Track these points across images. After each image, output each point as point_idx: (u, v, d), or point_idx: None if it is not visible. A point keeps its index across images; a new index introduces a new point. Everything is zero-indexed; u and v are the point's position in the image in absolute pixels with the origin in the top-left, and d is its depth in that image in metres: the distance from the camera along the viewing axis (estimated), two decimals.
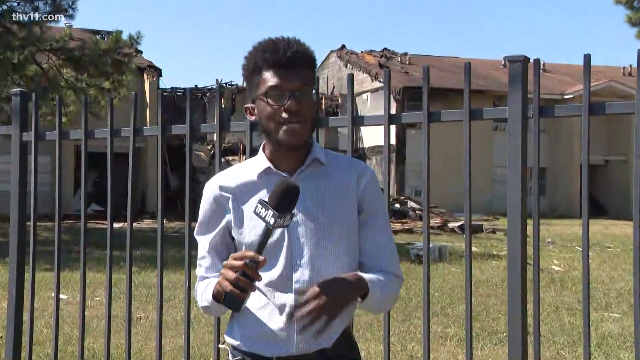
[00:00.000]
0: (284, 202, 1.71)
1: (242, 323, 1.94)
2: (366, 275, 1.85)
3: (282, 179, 1.82)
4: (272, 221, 1.70)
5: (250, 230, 1.89)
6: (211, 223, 1.97)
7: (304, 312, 1.72)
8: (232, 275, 1.70)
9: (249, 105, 1.94)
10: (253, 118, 1.94)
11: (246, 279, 1.70)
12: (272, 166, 1.91)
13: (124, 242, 3.43)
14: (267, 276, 1.87)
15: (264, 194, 1.89)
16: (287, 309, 1.87)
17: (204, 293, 1.93)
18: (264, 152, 1.94)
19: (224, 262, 1.75)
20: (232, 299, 1.72)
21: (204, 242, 1.99)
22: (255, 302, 1.90)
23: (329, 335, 1.87)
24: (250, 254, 1.71)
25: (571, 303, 8.43)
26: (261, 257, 1.70)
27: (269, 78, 1.84)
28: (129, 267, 3.41)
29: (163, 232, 3.36)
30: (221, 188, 1.95)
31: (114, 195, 3.47)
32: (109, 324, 3.45)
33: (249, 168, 1.96)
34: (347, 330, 1.94)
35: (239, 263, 1.70)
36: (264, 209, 1.71)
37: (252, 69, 1.87)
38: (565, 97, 31.19)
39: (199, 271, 2.00)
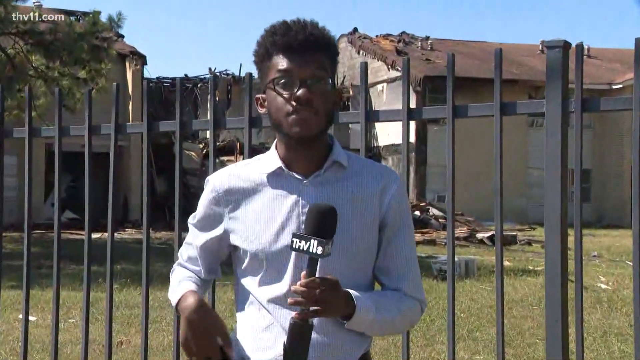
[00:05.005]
0: (324, 226, 1.75)
1: (246, 346, 1.96)
2: (362, 295, 1.87)
3: (313, 204, 1.83)
4: (319, 251, 1.73)
5: (255, 238, 1.92)
6: (206, 224, 2.03)
7: (297, 290, 1.75)
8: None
9: (259, 95, 1.97)
10: (264, 110, 1.96)
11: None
12: (284, 166, 1.93)
13: (104, 255, 3.45)
14: (273, 292, 1.90)
15: (271, 198, 1.92)
16: None
17: (178, 287, 2.00)
18: (276, 149, 1.97)
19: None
20: None
21: (193, 234, 2.07)
22: (258, 321, 1.93)
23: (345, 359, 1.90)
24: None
25: (621, 327, 8.39)
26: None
27: (278, 64, 1.86)
28: (109, 283, 3.43)
29: (149, 243, 3.37)
30: (223, 186, 1.99)
31: (92, 202, 3.48)
32: (86, 350, 3.46)
33: (258, 166, 1.99)
34: (365, 355, 1.97)
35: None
36: (304, 242, 1.74)
37: (262, 54, 1.90)
38: (614, 87, 31.10)
39: (182, 255, 2.10)
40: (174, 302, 1.97)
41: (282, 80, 1.86)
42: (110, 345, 3.44)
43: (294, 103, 1.84)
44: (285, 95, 1.85)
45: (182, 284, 1.98)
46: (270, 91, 1.89)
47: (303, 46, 1.85)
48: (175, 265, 2.12)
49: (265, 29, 1.92)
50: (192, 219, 2.07)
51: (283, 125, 1.87)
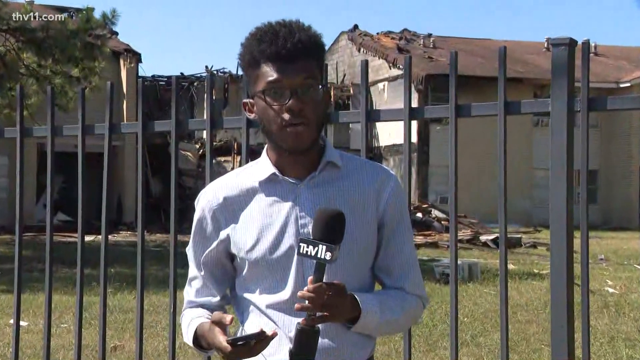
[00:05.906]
0: (332, 231, 1.75)
1: None
2: (366, 297, 1.89)
3: (319, 208, 1.83)
4: (328, 256, 1.73)
5: (254, 246, 1.93)
6: (204, 240, 2.01)
7: (304, 296, 1.74)
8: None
9: (247, 100, 1.97)
10: (252, 115, 1.97)
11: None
12: (277, 172, 1.94)
13: (97, 258, 3.45)
14: (275, 298, 1.92)
15: (267, 204, 1.93)
16: None
17: (187, 329, 1.98)
18: (268, 155, 1.97)
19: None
20: None
21: (195, 261, 2.04)
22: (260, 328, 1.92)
23: None
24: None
25: (629, 332, 8.39)
26: (268, 333, 1.75)
27: (267, 73, 1.86)
28: (103, 287, 3.43)
29: (144, 246, 3.37)
30: (217, 199, 1.99)
31: (85, 203, 3.48)
32: (79, 356, 3.46)
33: (251, 174, 1.99)
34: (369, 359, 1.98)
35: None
36: (311, 247, 1.74)
37: (249, 61, 1.90)
38: (621, 86, 31.12)
39: (188, 293, 2.06)
40: (189, 340, 1.97)
41: (272, 91, 1.86)
42: (104, 350, 3.44)
43: (286, 116, 1.85)
44: (275, 107, 1.86)
45: (190, 324, 1.98)
46: (260, 100, 1.89)
47: (292, 54, 1.85)
48: (183, 309, 2.08)
49: (250, 32, 1.91)
50: (188, 245, 2.06)
51: (276, 136, 1.89)
